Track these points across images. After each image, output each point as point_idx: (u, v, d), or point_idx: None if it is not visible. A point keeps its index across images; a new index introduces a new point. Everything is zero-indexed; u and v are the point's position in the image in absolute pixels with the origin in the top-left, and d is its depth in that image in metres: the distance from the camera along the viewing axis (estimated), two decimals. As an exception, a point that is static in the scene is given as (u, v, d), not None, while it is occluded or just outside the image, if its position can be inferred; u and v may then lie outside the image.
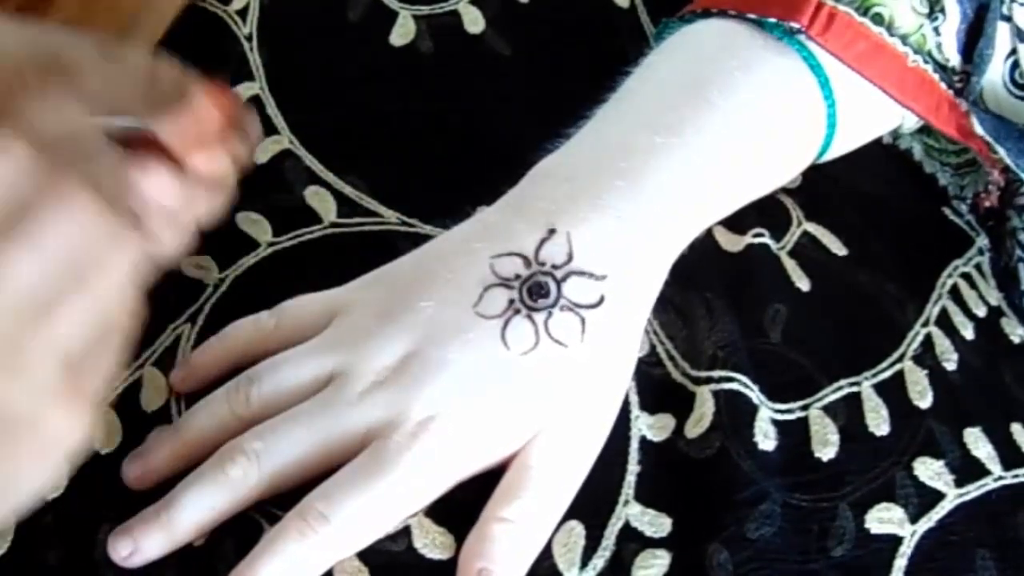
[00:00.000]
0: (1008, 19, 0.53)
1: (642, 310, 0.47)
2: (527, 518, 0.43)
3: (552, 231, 0.45)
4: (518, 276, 0.44)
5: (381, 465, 0.41)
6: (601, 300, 0.44)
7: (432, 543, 0.43)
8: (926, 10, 0.52)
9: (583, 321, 0.44)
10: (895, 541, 0.45)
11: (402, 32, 0.57)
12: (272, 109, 0.54)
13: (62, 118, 0.32)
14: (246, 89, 0.55)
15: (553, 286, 0.44)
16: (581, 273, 0.44)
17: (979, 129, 0.52)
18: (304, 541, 0.40)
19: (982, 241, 0.57)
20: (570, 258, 0.44)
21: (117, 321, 0.33)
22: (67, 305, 0.30)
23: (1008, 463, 0.49)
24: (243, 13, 0.58)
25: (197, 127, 0.35)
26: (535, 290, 0.44)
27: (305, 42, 0.57)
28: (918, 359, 0.50)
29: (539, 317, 0.43)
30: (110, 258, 0.31)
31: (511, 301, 0.44)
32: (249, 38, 0.57)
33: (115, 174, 0.33)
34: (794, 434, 0.47)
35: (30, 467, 0.32)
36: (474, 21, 0.58)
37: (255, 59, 0.56)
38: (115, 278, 0.32)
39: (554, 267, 0.44)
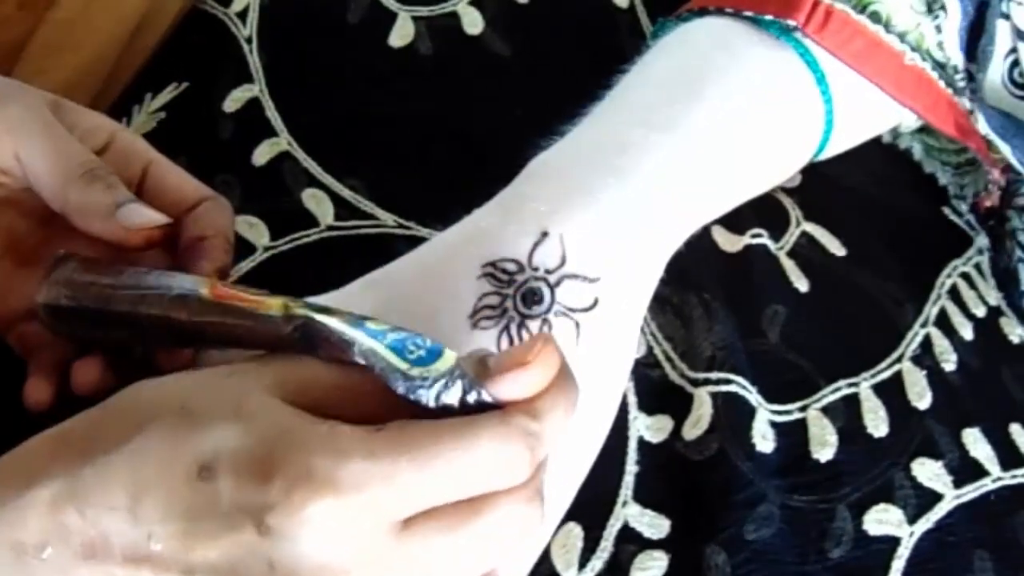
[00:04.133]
0: (1007, 17, 0.53)
1: (637, 310, 0.46)
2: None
3: (545, 234, 0.44)
4: (512, 283, 0.44)
5: None
6: (595, 303, 0.44)
7: (430, 546, 0.43)
8: (924, 8, 0.52)
9: (577, 325, 0.44)
10: (893, 542, 0.45)
11: (401, 33, 0.57)
12: (271, 111, 0.54)
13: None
14: (245, 91, 0.55)
15: (547, 291, 0.44)
16: (574, 276, 0.44)
17: (984, 127, 0.52)
18: None
19: (982, 241, 0.57)
20: (563, 262, 0.44)
21: None
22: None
23: (1007, 464, 0.48)
24: (243, 15, 0.58)
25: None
26: (529, 297, 0.44)
27: (305, 44, 0.57)
28: (917, 360, 0.50)
29: (534, 325, 0.43)
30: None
31: (505, 309, 0.44)
32: (249, 40, 0.57)
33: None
34: (792, 435, 0.47)
35: None
36: (473, 22, 0.57)
37: (255, 61, 0.56)
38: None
39: (547, 272, 0.44)
